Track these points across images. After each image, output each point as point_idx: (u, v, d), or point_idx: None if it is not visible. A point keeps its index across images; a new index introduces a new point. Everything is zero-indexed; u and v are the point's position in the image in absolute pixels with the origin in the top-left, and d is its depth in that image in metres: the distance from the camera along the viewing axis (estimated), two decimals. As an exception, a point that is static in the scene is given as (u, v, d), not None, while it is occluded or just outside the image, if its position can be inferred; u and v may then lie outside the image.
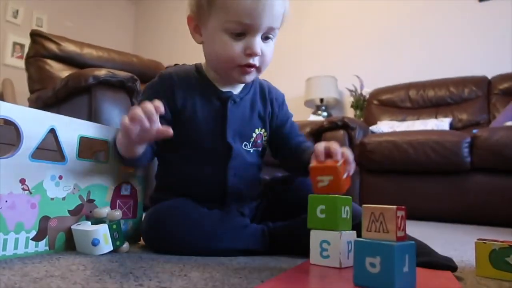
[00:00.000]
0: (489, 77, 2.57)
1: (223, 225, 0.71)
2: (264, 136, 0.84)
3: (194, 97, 0.78)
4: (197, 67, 0.83)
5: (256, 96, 0.84)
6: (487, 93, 2.54)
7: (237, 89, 0.82)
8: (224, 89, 0.80)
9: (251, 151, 0.82)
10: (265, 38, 0.73)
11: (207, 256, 0.69)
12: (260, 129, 0.83)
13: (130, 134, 0.64)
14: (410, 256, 0.45)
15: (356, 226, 0.60)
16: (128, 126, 0.63)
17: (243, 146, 0.80)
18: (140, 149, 0.71)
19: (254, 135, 0.82)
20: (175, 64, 0.85)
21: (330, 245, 0.59)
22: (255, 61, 0.72)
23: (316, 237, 0.61)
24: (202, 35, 0.77)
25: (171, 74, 0.80)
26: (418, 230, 1.35)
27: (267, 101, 0.85)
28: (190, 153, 0.78)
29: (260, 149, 0.84)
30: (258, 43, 0.71)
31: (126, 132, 0.65)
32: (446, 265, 0.61)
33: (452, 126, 2.47)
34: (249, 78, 0.76)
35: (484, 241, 0.60)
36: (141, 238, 0.84)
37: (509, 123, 2.08)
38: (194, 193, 0.77)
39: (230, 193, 0.78)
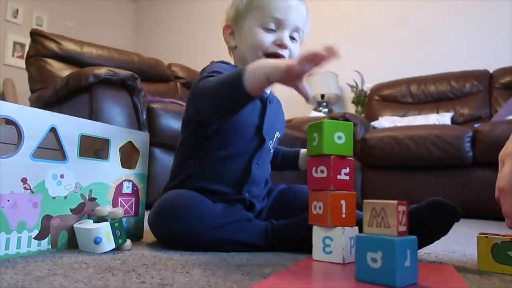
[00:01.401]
0: (491, 71, 2.57)
1: (226, 216, 0.72)
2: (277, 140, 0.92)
3: None
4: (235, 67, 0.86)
5: (279, 104, 0.95)
6: (488, 87, 2.53)
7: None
8: None
9: (271, 150, 0.89)
10: (292, 38, 0.83)
11: (210, 248, 0.70)
12: (279, 133, 0.91)
13: (291, 70, 0.59)
14: (411, 250, 0.45)
15: (358, 222, 0.60)
16: (300, 63, 0.57)
17: (268, 143, 0.86)
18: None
19: (275, 136, 0.90)
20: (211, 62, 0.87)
21: (333, 241, 0.59)
22: (284, 52, 0.81)
23: (318, 233, 0.61)
24: (236, 38, 0.87)
25: (228, 65, 0.85)
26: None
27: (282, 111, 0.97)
28: (226, 142, 0.81)
29: (272, 151, 0.90)
30: (286, 37, 0.81)
31: (290, 67, 0.58)
32: (451, 205, 0.65)
33: (453, 120, 2.46)
34: None
35: (486, 235, 0.60)
36: (142, 236, 0.85)
37: (511, 117, 2.07)
38: (216, 180, 0.79)
39: (250, 182, 0.81)
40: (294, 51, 0.83)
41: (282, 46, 0.81)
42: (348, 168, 0.62)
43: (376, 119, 2.65)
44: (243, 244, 0.72)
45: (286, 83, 0.61)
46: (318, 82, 3.11)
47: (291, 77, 0.59)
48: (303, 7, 0.85)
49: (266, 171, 0.88)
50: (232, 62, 0.89)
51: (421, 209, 0.66)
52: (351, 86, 3.10)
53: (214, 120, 0.78)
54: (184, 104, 2.19)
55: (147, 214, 0.86)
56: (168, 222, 0.71)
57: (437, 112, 2.57)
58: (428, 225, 0.65)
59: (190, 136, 0.83)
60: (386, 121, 2.50)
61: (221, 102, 0.70)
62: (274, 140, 0.89)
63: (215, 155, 0.81)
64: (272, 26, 0.81)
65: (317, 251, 0.60)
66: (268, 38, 0.81)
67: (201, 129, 0.81)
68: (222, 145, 0.81)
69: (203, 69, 0.83)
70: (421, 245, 0.67)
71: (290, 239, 0.73)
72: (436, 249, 0.82)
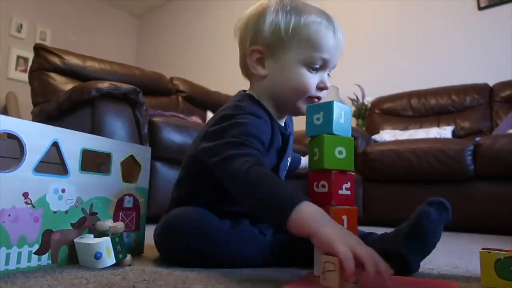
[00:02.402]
0: (491, 84, 2.58)
1: (235, 234, 0.70)
2: None
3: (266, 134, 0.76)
4: (255, 100, 0.79)
5: (292, 124, 0.90)
6: (489, 100, 2.54)
7: (282, 122, 0.84)
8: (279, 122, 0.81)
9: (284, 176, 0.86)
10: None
11: (216, 265, 0.69)
12: (290, 158, 0.89)
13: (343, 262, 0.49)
14: (345, 113, 0.61)
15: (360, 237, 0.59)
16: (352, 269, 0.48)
17: (282, 173, 0.84)
18: None
19: (288, 161, 0.86)
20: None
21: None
22: (322, 94, 0.78)
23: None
24: (268, 67, 0.77)
25: (259, 112, 0.75)
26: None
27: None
28: None
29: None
30: (327, 78, 0.77)
31: (344, 260, 0.48)
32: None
33: (454, 134, 2.46)
34: None
35: (489, 251, 0.59)
36: (143, 251, 0.84)
37: (511, 131, 2.08)
38: (228, 203, 0.73)
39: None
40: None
41: (324, 88, 0.76)
42: (349, 182, 0.62)
43: (377, 132, 2.65)
44: (249, 261, 0.71)
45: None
46: (319, 96, 3.12)
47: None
48: (344, 44, 0.80)
49: None
50: (248, 87, 0.83)
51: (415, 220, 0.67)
52: (352, 100, 3.11)
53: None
54: (185, 117, 2.20)
55: (148, 228, 0.86)
56: (177, 239, 0.70)
57: (438, 126, 2.58)
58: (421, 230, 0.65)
59: (202, 168, 0.74)
60: (387, 135, 2.50)
61: (254, 205, 0.62)
62: (285, 171, 0.86)
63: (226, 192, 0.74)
64: (318, 65, 0.74)
65: (319, 266, 0.60)
66: (313, 81, 0.75)
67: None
68: None
69: (236, 105, 0.74)
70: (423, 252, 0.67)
71: (296, 254, 0.72)
72: (439, 265, 0.81)
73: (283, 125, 0.83)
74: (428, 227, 0.65)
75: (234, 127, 0.69)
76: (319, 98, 0.77)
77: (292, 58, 0.74)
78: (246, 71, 0.81)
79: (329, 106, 0.60)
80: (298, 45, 0.73)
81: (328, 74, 0.78)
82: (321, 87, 0.76)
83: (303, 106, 0.76)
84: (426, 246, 0.66)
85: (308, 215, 0.55)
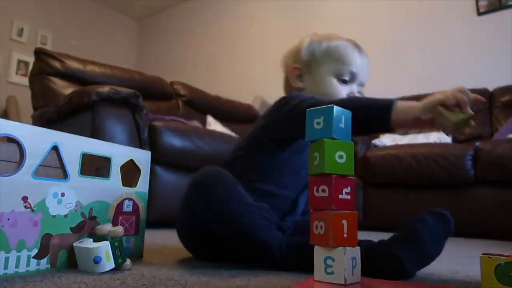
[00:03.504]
0: (490, 89, 2.58)
1: (255, 202, 0.74)
2: None
3: None
4: None
5: None
6: (489, 105, 2.54)
7: None
8: None
9: None
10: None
11: (225, 232, 0.71)
12: None
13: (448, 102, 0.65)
14: (345, 118, 0.60)
15: (360, 242, 0.60)
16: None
17: None
18: None
19: None
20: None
21: (335, 261, 0.58)
22: None
23: (320, 253, 0.60)
24: (306, 81, 0.93)
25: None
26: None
27: None
28: (283, 173, 0.86)
29: None
30: (356, 91, 0.90)
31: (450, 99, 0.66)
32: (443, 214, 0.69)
33: (454, 139, 2.46)
34: None
35: (490, 256, 0.59)
36: (142, 255, 0.84)
37: (511, 136, 2.08)
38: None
39: (292, 216, 0.87)
40: None
41: None
42: (349, 187, 0.62)
43: (377, 137, 2.65)
44: (260, 243, 0.71)
45: (422, 126, 0.69)
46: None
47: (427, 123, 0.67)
48: (370, 68, 0.96)
49: (304, 206, 0.93)
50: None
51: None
52: (352, 104, 3.11)
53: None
54: (186, 122, 2.20)
55: (147, 233, 0.86)
56: (204, 190, 0.72)
57: (438, 131, 2.57)
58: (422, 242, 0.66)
59: (255, 158, 0.86)
60: (387, 139, 2.50)
61: (353, 121, 0.71)
62: None
63: (272, 181, 0.85)
64: (347, 77, 0.89)
65: (319, 271, 0.60)
66: (343, 90, 0.88)
67: (274, 154, 0.85)
68: (283, 173, 0.85)
69: (289, 99, 0.83)
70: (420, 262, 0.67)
71: (303, 255, 0.72)
72: (440, 270, 0.81)
73: None
74: (423, 232, 0.66)
75: (304, 97, 0.80)
76: None
77: (325, 71, 0.89)
78: (288, 89, 0.96)
79: (329, 110, 0.60)
80: (330, 61, 0.89)
81: (358, 92, 0.91)
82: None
83: None
84: (421, 250, 0.66)
85: (405, 104, 0.68)
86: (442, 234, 0.67)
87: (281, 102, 0.84)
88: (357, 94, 0.90)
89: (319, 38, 0.95)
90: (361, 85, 0.92)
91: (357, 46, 0.94)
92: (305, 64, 0.92)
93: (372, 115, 0.70)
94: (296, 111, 0.77)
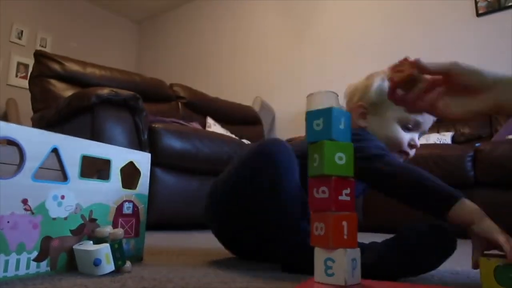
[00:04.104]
0: (490, 90, 2.58)
1: (297, 193, 0.73)
2: None
3: None
4: None
5: None
6: (488, 106, 2.54)
7: None
8: None
9: None
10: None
11: (267, 202, 0.72)
12: None
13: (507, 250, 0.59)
14: (345, 119, 0.60)
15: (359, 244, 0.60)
16: None
17: None
18: None
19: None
20: None
21: (335, 262, 0.58)
22: (412, 152, 0.90)
23: (320, 254, 0.60)
24: (369, 120, 0.92)
25: None
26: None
27: None
28: None
29: None
30: (417, 138, 0.90)
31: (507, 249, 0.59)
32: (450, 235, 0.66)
33: (454, 140, 2.46)
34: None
35: (489, 258, 0.59)
36: (142, 258, 0.84)
37: (511, 137, 2.08)
38: None
39: None
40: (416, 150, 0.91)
41: (414, 147, 0.89)
42: (349, 188, 0.62)
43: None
44: (296, 224, 0.71)
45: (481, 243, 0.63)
46: (318, 102, 3.12)
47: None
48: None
49: None
50: None
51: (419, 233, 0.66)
52: (352, 106, 3.11)
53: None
54: (185, 124, 2.20)
55: (147, 235, 0.86)
56: (266, 156, 0.73)
57: (438, 132, 2.58)
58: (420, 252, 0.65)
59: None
60: (387, 141, 2.50)
61: (410, 195, 0.73)
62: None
63: None
64: (411, 125, 0.89)
65: (319, 273, 0.60)
66: (406, 138, 0.89)
67: None
68: None
69: (365, 138, 0.83)
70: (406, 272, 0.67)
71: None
72: (440, 271, 0.81)
73: None
74: (410, 238, 0.66)
75: (376, 149, 0.79)
76: (408, 154, 0.90)
77: (391, 116, 0.89)
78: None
79: (328, 112, 0.61)
80: (397, 109, 0.84)
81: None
82: (411, 145, 0.89)
83: (397, 156, 0.89)
84: (405, 256, 0.66)
85: (470, 207, 0.66)
86: (437, 243, 0.66)
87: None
88: (418, 143, 0.90)
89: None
90: (423, 133, 0.92)
91: None
92: (371, 105, 0.92)
93: (433, 201, 0.70)
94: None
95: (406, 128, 0.89)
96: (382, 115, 0.90)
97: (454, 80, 0.64)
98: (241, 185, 0.77)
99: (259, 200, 0.73)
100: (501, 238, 0.59)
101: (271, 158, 0.73)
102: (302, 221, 0.72)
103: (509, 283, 0.56)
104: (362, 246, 0.70)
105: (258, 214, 0.75)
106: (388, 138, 0.89)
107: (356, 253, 0.59)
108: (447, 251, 0.66)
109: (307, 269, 0.67)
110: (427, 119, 0.89)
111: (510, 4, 2.68)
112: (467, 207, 0.66)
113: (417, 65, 0.65)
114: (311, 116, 0.63)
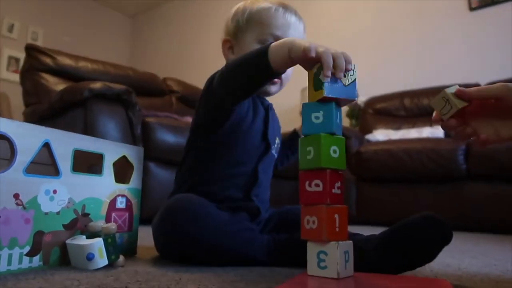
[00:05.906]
0: (482, 84, 2.60)
1: (232, 224, 0.73)
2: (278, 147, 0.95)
3: (249, 101, 0.86)
4: None
5: (274, 111, 0.95)
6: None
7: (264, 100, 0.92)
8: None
9: (275, 155, 0.92)
10: None
11: (210, 255, 0.70)
12: (278, 138, 0.94)
13: (307, 53, 0.59)
14: (340, 113, 0.61)
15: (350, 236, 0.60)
16: (316, 54, 0.59)
17: (272, 148, 0.89)
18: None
19: (276, 142, 0.93)
20: None
21: (328, 255, 0.58)
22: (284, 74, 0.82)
23: (312, 247, 0.60)
24: (235, 52, 0.89)
25: None
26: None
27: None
28: (234, 148, 0.83)
29: (276, 155, 0.93)
30: None
31: (307, 50, 0.60)
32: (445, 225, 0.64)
33: (446, 133, 2.48)
34: (274, 89, 0.89)
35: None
36: (136, 252, 0.83)
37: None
38: (226, 184, 0.82)
39: (257, 186, 0.84)
40: (288, 71, 0.81)
41: None
42: (339, 181, 0.62)
43: (370, 132, 2.66)
44: (244, 257, 0.71)
45: (305, 66, 0.63)
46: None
47: (308, 60, 0.60)
48: (301, 26, 0.88)
49: (270, 175, 0.91)
50: None
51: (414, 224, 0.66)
52: (345, 100, 3.11)
53: (228, 102, 0.76)
54: (179, 118, 2.19)
55: (141, 229, 0.86)
56: (176, 222, 0.70)
57: (431, 125, 2.59)
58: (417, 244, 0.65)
59: (198, 143, 0.85)
60: (380, 134, 2.51)
61: (243, 78, 0.71)
62: (276, 145, 0.92)
63: (224, 160, 0.83)
64: (271, 41, 0.78)
65: (312, 266, 0.60)
66: None
67: (210, 136, 0.83)
68: (231, 151, 0.83)
69: (213, 75, 0.81)
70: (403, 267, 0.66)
71: (292, 253, 0.72)
72: (431, 263, 0.81)
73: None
74: (403, 230, 0.65)
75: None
76: (279, 77, 0.85)
77: (248, 40, 0.86)
78: (226, 62, 0.90)
79: (329, 106, 0.61)
80: (252, 28, 0.85)
81: None
82: None
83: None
84: (399, 249, 0.65)
85: (279, 43, 0.65)
86: (430, 234, 0.66)
87: (206, 82, 0.82)
88: None
89: (244, 5, 0.90)
90: None
91: (281, 6, 0.87)
92: (233, 36, 0.89)
93: (250, 62, 0.68)
94: (211, 77, 0.78)
95: None
96: (242, 42, 0.88)
97: (506, 103, 0.60)
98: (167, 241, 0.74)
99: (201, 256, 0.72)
100: (319, 49, 0.60)
101: (180, 229, 0.70)
102: (252, 247, 0.72)
103: (319, 85, 0.59)
104: (359, 239, 0.70)
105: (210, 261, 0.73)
106: None
107: (349, 245, 0.60)
108: (443, 241, 0.65)
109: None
110: (289, 30, 0.84)
111: (502, -2, 2.69)
112: (276, 44, 0.65)
113: (464, 95, 0.61)
114: (309, 108, 0.63)
